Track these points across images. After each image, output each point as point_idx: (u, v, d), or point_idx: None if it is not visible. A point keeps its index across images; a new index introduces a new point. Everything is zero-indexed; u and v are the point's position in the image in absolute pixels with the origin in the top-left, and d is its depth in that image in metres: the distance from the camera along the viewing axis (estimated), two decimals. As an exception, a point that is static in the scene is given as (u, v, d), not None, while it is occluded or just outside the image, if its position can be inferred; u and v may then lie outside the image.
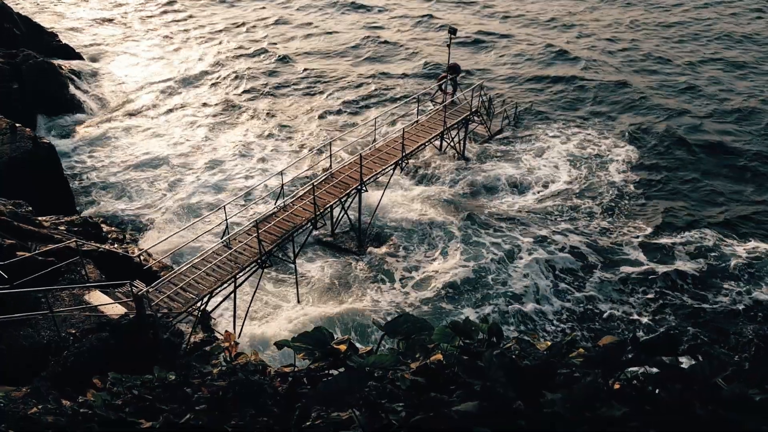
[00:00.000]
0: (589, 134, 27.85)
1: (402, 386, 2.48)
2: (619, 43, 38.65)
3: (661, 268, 19.82)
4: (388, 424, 2.08)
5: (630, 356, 2.33)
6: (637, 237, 21.28)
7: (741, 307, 18.19)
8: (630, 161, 25.72)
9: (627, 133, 27.82)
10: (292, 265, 18.25)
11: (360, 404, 2.20)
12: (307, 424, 2.29)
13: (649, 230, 21.58)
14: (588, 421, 1.80)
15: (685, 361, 2.30)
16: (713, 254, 20.39)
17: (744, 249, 20.54)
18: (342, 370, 2.64)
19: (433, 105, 27.43)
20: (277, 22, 42.54)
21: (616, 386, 2.30)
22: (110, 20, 42.28)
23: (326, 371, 2.92)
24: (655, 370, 2.37)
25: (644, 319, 17.97)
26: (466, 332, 2.91)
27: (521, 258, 20.35)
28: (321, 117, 29.61)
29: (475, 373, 2.03)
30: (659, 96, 31.48)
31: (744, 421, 1.81)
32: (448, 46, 26.52)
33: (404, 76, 34.17)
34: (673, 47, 38.11)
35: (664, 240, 21.11)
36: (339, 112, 30.14)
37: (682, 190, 23.98)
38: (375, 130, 22.71)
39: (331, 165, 20.60)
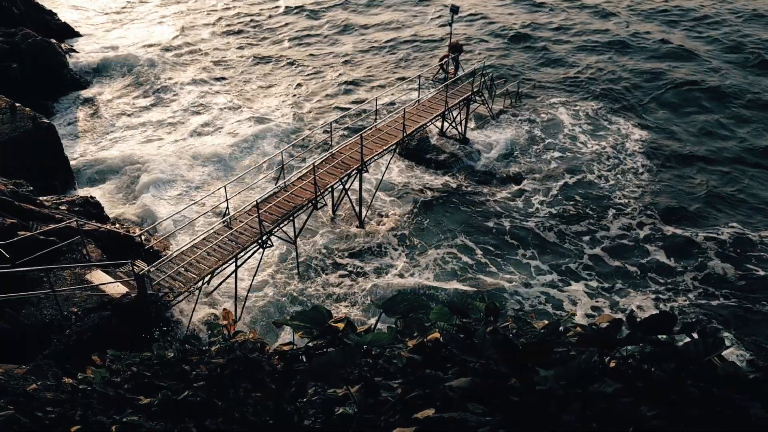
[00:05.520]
0: (595, 115, 27.62)
1: (399, 364, 2.51)
2: (623, 17, 38.19)
3: (665, 257, 19.79)
4: (384, 400, 2.10)
5: (626, 335, 2.35)
6: (643, 224, 21.17)
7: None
8: (641, 142, 25.29)
9: (635, 114, 27.51)
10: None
11: (355, 381, 2.22)
12: (304, 400, 2.31)
13: (660, 216, 21.32)
14: (581, 398, 1.81)
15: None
16: (726, 243, 20.29)
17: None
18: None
19: (435, 85, 27.26)
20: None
21: (612, 364, 2.31)
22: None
23: (324, 349, 2.94)
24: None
25: (646, 302, 18.02)
26: (463, 311, 2.93)
27: (521, 244, 20.36)
28: (321, 96, 29.43)
29: (469, 350, 2.04)
30: (671, 72, 31.05)
31: (736, 399, 1.82)
32: (450, 24, 26.24)
33: (406, 54, 33.87)
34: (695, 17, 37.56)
35: (672, 225, 21.00)
36: (339, 92, 29.95)
37: (692, 180, 23.51)
38: (376, 109, 22.58)
39: (331, 145, 20.52)
